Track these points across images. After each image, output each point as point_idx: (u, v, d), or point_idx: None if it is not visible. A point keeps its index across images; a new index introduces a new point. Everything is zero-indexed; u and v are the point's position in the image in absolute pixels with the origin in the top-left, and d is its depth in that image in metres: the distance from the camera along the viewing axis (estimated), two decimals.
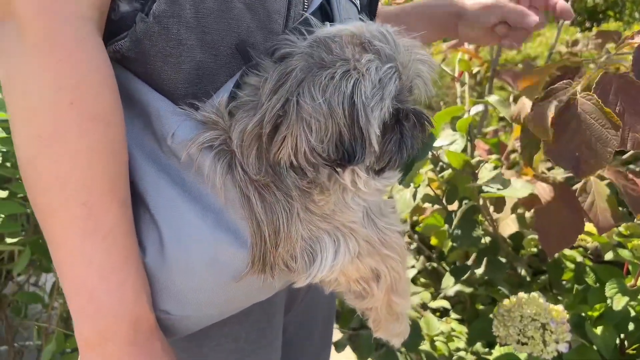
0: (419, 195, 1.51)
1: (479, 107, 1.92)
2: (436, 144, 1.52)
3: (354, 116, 0.70)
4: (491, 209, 1.52)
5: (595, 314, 1.37)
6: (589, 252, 1.64)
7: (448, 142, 1.50)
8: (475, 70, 2.18)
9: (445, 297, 1.84)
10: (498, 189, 1.29)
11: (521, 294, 1.27)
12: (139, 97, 0.77)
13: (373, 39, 0.74)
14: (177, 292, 0.76)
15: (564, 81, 1.00)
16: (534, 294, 1.26)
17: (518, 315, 1.23)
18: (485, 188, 1.34)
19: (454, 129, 1.55)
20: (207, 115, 0.75)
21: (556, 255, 1.46)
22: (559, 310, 1.23)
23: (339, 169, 0.74)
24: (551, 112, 0.94)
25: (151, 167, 0.76)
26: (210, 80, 0.78)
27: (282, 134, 0.70)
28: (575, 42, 2.24)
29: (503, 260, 1.57)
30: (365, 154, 0.72)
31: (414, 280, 2.04)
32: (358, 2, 0.97)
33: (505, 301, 1.27)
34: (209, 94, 0.77)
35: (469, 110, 1.67)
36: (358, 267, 0.82)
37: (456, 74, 1.96)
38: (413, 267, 2.01)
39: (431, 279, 1.99)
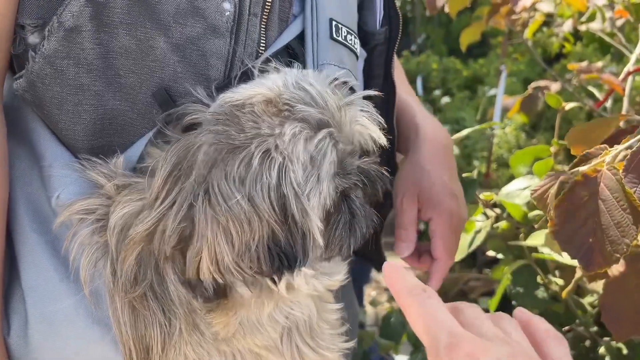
0: (477, 242, 1.35)
1: None
2: (509, 187, 1.34)
3: (287, 210, 0.55)
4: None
5: None
6: None
7: (522, 186, 1.32)
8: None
9: None
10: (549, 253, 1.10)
11: None
12: (36, 144, 0.68)
13: (295, 102, 0.57)
14: None
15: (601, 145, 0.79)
16: None
17: None
18: (540, 248, 1.15)
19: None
20: (95, 176, 0.62)
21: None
22: None
23: (276, 278, 0.59)
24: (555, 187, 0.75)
25: (34, 229, 0.65)
26: (126, 132, 0.66)
27: (195, 247, 0.55)
28: None
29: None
30: (308, 253, 0.58)
31: None
32: (358, 49, 0.79)
33: None
34: (124, 148, 0.66)
35: (555, 153, 1.44)
36: None
37: None
38: None
39: None
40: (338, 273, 0.67)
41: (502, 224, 1.34)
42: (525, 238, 1.21)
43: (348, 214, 0.62)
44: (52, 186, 0.65)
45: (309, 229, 0.57)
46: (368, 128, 0.62)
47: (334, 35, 0.74)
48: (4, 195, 0.65)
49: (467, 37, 1.90)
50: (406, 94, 1.02)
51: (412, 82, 4.30)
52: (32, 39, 0.64)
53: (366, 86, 0.91)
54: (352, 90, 0.70)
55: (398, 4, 0.96)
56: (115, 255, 0.58)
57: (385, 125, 0.65)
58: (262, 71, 0.64)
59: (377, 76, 0.92)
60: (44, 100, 0.65)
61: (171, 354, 0.60)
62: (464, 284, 2.05)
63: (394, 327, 1.77)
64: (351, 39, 0.77)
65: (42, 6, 0.62)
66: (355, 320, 1.21)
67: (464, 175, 1.19)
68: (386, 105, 0.91)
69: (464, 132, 1.42)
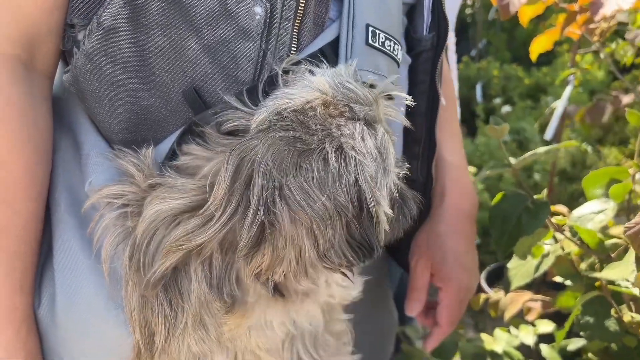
0: (544, 267, 1.26)
1: None
2: (581, 210, 1.25)
3: (362, 204, 0.58)
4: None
5: None
6: None
7: (596, 210, 1.23)
8: None
9: None
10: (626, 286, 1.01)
11: None
12: (79, 133, 0.72)
13: (349, 101, 0.60)
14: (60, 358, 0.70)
15: None
16: None
17: None
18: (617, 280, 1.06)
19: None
20: (125, 165, 0.65)
21: None
22: None
23: (347, 271, 0.61)
24: None
25: (68, 212, 0.69)
26: (160, 127, 0.69)
27: (277, 251, 0.56)
28: None
29: None
30: (381, 240, 0.60)
31: None
32: (399, 55, 0.79)
33: None
34: (157, 143, 0.68)
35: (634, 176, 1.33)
36: None
37: None
38: None
39: None
40: (354, 288, 0.71)
41: (573, 250, 1.25)
42: (601, 267, 1.12)
43: (400, 199, 0.66)
44: (87, 172, 0.68)
45: (378, 219, 0.59)
46: (396, 117, 0.66)
47: (370, 41, 0.73)
48: (46, 179, 0.70)
49: (539, 46, 1.81)
50: (449, 135, 1.01)
51: (472, 89, 4.18)
52: (80, 36, 0.68)
53: (410, 92, 0.90)
54: (389, 98, 0.71)
55: (456, 9, 0.91)
56: (140, 242, 0.60)
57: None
58: (287, 72, 0.65)
59: (421, 82, 0.91)
60: (85, 94, 0.69)
61: (174, 345, 0.62)
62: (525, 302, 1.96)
63: (446, 345, 1.71)
64: (389, 45, 0.76)
65: (88, 6, 0.67)
66: (392, 331, 1.21)
67: (535, 196, 1.11)
68: (429, 112, 0.92)
69: (529, 155, 1.33)
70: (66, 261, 0.68)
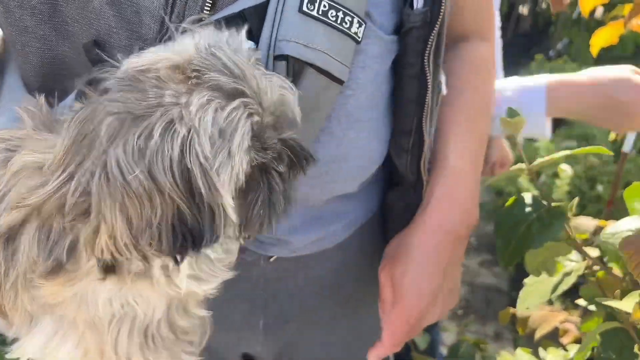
0: (563, 287, 1.10)
1: None
2: (617, 226, 1.09)
3: (192, 186, 0.51)
4: None
5: None
6: None
7: (632, 227, 1.06)
8: None
9: None
10: None
11: None
12: (6, 76, 0.73)
13: (206, 68, 0.52)
14: None
15: None
16: None
17: None
18: None
19: None
20: (20, 111, 0.62)
21: None
22: None
23: (179, 257, 0.55)
24: None
25: None
26: (73, 78, 0.65)
27: (92, 225, 0.52)
28: None
29: None
30: (218, 231, 0.54)
31: None
32: (357, 32, 0.70)
33: None
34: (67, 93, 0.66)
35: None
36: None
37: None
38: None
39: None
40: (208, 282, 0.63)
41: (600, 271, 1.09)
42: (622, 295, 0.96)
43: (266, 190, 0.58)
44: None
45: (218, 206, 0.53)
46: (289, 100, 0.57)
47: (305, 8, 0.65)
48: None
49: (600, 40, 1.60)
50: (459, 132, 0.91)
51: None
52: None
53: (397, 75, 0.82)
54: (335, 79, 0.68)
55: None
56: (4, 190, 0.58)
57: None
58: (185, 32, 0.58)
59: (410, 65, 0.80)
60: (5, 38, 0.71)
61: (7, 299, 0.60)
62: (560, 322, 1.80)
63: (464, 358, 1.60)
64: (335, 16, 0.66)
65: None
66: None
67: (552, 204, 0.96)
68: (419, 100, 0.82)
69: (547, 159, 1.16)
70: None
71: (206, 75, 0.52)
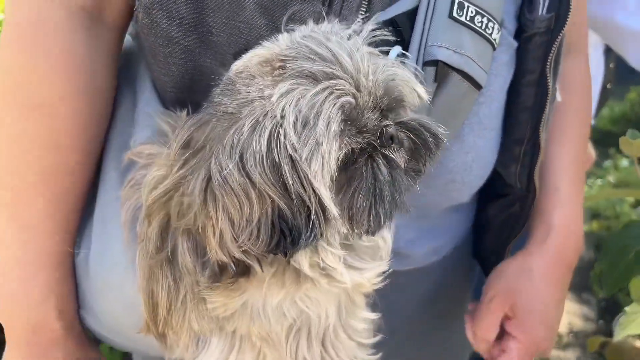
0: None
1: None
2: None
3: (284, 180, 0.49)
4: None
5: None
6: None
7: None
8: None
9: None
10: None
11: None
12: (138, 88, 0.72)
13: (292, 57, 0.50)
14: (90, 307, 0.71)
15: None
16: None
17: None
18: None
19: None
20: (161, 124, 0.65)
21: None
22: None
23: (281, 255, 0.52)
24: None
25: (114, 168, 0.69)
26: (208, 91, 0.65)
27: (202, 224, 0.53)
28: None
29: None
30: (317, 226, 0.50)
31: None
32: (495, 37, 0.68)
33: None
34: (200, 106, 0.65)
35: None
36: None
37: None
38: None
39: None
40: (370, 270, 0.58)
41: None
42: None
43: (371, 178, 0.52)
44: (136, 129, 0.69)
45: (314, 198, 0.49)
46: (404, 78, 0.52)
47: (455, 14, 0.63)
48: (98, 130, 0.70)
49: None
50: (566, 155, 0.87)
51: None
52: None
53: (515, 83, 0.78)
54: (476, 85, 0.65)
55: None
56: (145, 212, 0.59)
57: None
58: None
59: (529, 71, 0.77)
60: (144, 49, 0.70)
61: (176, 318, 0.59)
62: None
63: None
64: (481, 22, 0.65)
65: None
66: (465, 350, 1.08)
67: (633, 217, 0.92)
68: (536, 108, 0.78)
69: None
70: (104, 214, 0.69)
71: (290, 64, 0.50)
